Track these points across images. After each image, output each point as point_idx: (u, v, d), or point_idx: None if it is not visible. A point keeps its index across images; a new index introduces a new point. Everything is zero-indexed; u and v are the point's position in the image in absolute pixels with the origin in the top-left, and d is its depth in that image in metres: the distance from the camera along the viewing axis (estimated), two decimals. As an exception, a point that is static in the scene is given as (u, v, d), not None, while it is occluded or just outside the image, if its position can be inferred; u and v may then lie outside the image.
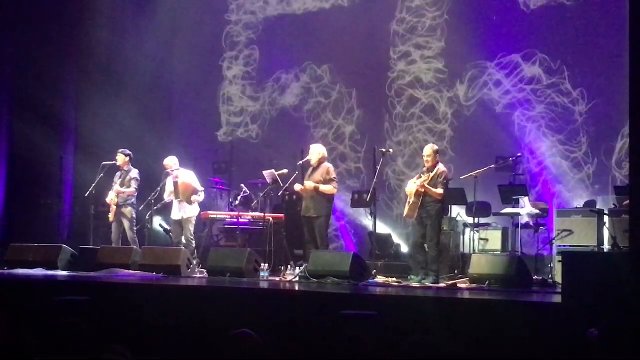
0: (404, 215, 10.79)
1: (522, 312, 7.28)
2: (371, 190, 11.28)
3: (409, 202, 10.46)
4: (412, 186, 10.51)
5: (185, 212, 12.23)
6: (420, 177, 10.58)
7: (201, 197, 12.37)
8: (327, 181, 11.13)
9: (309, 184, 11.17)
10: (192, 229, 12.28)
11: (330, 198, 11.18)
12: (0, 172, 14.85)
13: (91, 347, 4.69)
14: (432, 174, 10.47)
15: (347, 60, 14.88)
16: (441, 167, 10.58)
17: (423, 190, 10.36)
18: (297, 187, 11.40)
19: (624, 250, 9.46)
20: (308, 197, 11.20)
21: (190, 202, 12.21)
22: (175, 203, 12.31)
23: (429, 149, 10.72)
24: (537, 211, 11.71)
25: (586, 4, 12.92)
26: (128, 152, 12.82)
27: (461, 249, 12.32)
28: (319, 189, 11.10)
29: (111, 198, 12.53)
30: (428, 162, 10.63)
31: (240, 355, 4.57)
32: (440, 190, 10.40)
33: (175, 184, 12.24)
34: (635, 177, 6.97)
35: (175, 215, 12.32)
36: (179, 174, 12.31)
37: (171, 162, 12.40)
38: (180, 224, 12.27)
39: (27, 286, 9.76)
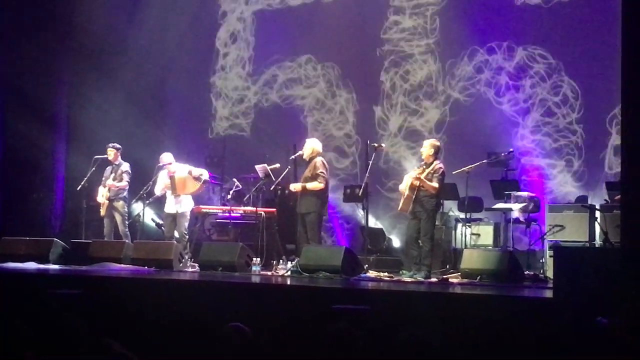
0: (399, 209, 10.79)
1: (513, 306, 7.29)
2: (363, 185, 11.30)
3: (404, 195, 10.48)
4: (407, 179, 10.54)
5: (180, 206, 12.23)
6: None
7: (205, 174, 12.40)
8: (314, 176, 11.13)
9: (295, 187, 11.26)
10: (186, 223, 12.29)
11: (320, 194, 11.14)
12: (-8, 166, 14.82)
13: (83, 341, 4.69)
14: (428, 169, 10.50)
15: (341, 54, 14.85)
16: (438, 163, 10.60)
17: (418, 183, 10.38)
18: (291, 187, 11.45)
19: (616, 245, 9.47)
20: (300, 193, 11.22)
21: (200, 181, 12.21)
22: (170, 197, 12.31)
23: (427, 143, 10.79)
24: (524, 210, 11.63)
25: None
26: (117, 145, 12.83)
27: (453, 244, 12.34)
28: (305, 188, 11.11)
29: (101, 195, 12.54)
30: (423, 153, 10.69)
31: (232, 348, 4.57)
32: (435, 184, 10.41)
33: (172, 178, 12.24)
34: (627, 172, 6.98)
35: (170, 208, 12.32)
36: (175, 169, 12.31)
37: (166, 158, 12.40)
38: (174, 217, 12.27)
39: (18, 280, 9.74)
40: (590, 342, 5.85)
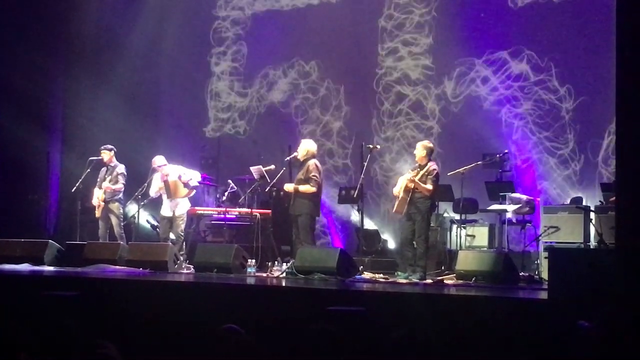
0: (393, 210, 10.81)
1: (508, 308, 7.29)
2: (358, 186, 11.30)
3: (398, 197, 10.49)
4: (402, 181, 10.55)
5: (177, 209, 12.23)
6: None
7: (194, 179, 12.38)
8: (306, 179, 11.12)
9: (288, 187, 11.26)
10: (183, 225, 12.30)
11: (311, 196, 11.10)
12: (-13, 168, 14.79)
13: (78, 343, 4.68)
14: (422, 171, 10.51)
15: (335, 57, 14.88)
16: (432, 165, 10.61)
17: (412, 186, 10.39)
18: (285, 187, 11.46)
19: (610, 246, 9.50)
20: (293, 195, 11.23)
21: (189, 187, 12.24)
22: (166, 200, 12.31)
23: (420, 145, 10.81)
24: (517, 212, 11.62)
25: (574, 1, 12.94)
26: (111, 147, 12.79)
27: (448, 245, 12.35)
28: (298, 190, 11.10)
29: (96, 197, 12.51)
30: (416, 155, 10.72)
31: (227, 350, 4.57)
32: (429, 186, 10.42)
33: (166, 182, 12.24)
34: (622, 174, 6.99)
35: (166, 211, 12.32)
36: (168, 171, 12.30)
37: (159, 161, 12.39)
38: (170, 220, 12.27)
39: (13, 281, 9.72)
40: (584, 343, 5.85)
